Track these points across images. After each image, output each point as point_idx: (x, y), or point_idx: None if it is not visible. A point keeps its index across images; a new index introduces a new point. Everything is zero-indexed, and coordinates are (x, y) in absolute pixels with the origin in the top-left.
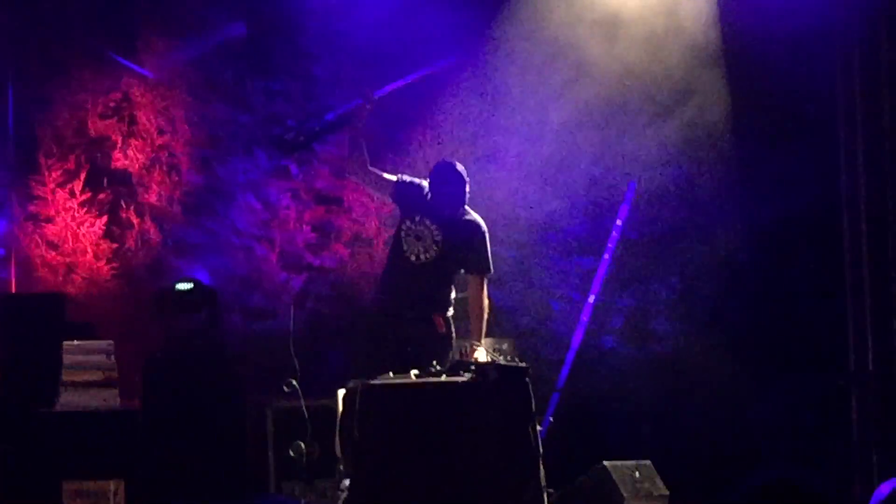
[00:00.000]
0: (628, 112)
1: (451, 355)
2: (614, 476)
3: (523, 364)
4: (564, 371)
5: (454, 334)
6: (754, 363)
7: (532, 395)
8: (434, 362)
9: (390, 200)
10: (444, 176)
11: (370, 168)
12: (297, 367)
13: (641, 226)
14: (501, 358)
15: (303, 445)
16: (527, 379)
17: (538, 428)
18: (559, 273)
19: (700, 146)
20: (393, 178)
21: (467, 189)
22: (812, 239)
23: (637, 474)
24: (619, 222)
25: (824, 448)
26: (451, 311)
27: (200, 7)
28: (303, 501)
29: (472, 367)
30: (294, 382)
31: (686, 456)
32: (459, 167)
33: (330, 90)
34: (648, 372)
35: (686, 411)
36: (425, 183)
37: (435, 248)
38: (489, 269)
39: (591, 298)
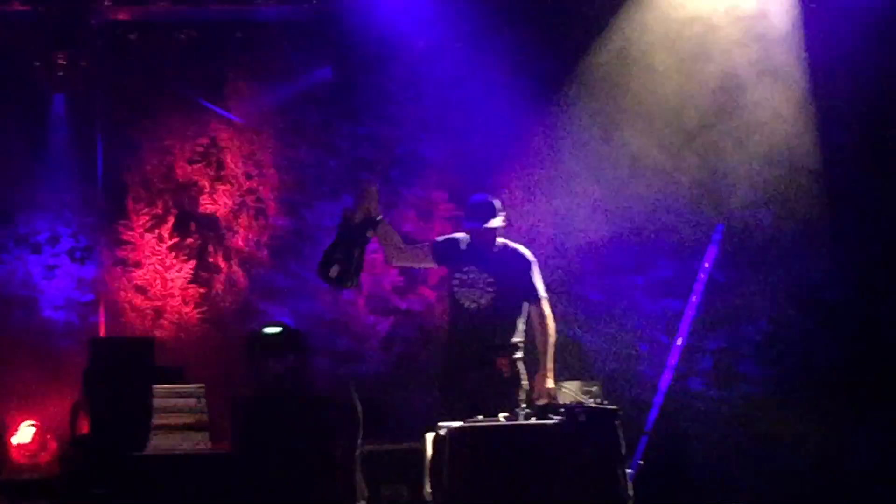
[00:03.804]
0: (716, 156)
1: (522, 396)
2: None
3: (613, 406)
4: (653, 414)
5: (523, 375)
6: (847, 405)
7: (621, 437)
8: (513, 406)
9: (437, 267)
10: (479, 209)
11: (404, 249)
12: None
13: (729, 268)
14: (591, 400)
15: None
16: (616, 421)
17: (628, 471)
18: (647, 315)
19: (787, 185)
20: (427, 244)
21: (501, 219)
22: None
23: None
24: (706, 265)
25: None
26: (518, 354)
27: (287, 52)
28: None
29: (562, 410)
30: None
31: (777, 499)
32: (493, 200)
33: (415, 134)
34: (738, 414)
35: (778, 454)
36: (460, 235)
37: (490, 290)
38: (540, 295)
39: (679, 341)
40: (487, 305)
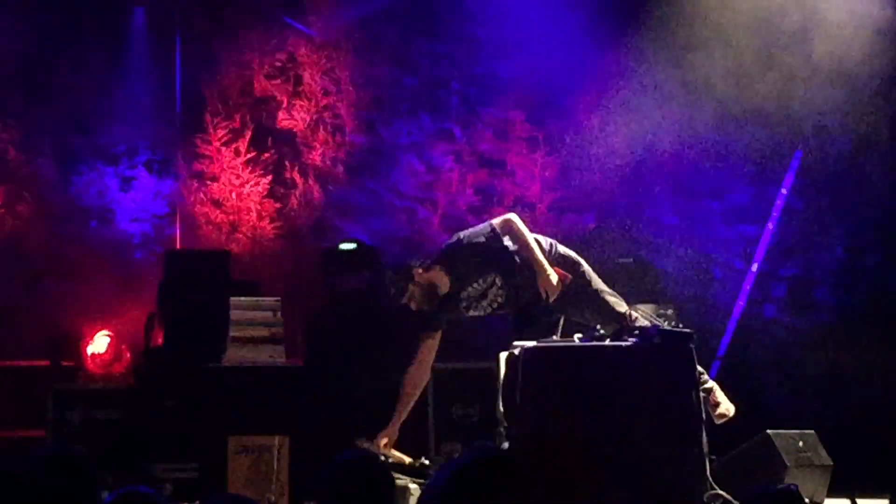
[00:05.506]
0: (794, 80)
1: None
2: (777, 444)
3: (687, 330)
4: (726, 339)
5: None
6: None
7: (696, 360)
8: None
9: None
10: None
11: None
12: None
13: (806, 195)
14: (665, 323)
15: None
16: (691, 345)
17: (701, 394)
18: (722, 240)
19: (867, 115)
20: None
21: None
22: None
23: (801, 443)
24: (783, 191)
25: None
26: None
27: None
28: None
29: (636, 332)
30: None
31: (849, 428)
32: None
33: (493, 53)
34: (811, 342)
35: (848, 382)
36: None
37: (497, 289)
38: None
39: (754, 267)
40: (505, 300)
